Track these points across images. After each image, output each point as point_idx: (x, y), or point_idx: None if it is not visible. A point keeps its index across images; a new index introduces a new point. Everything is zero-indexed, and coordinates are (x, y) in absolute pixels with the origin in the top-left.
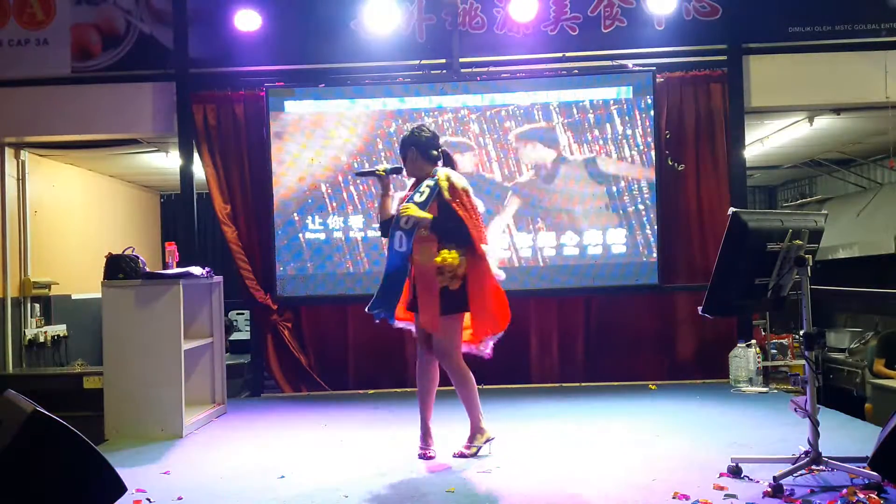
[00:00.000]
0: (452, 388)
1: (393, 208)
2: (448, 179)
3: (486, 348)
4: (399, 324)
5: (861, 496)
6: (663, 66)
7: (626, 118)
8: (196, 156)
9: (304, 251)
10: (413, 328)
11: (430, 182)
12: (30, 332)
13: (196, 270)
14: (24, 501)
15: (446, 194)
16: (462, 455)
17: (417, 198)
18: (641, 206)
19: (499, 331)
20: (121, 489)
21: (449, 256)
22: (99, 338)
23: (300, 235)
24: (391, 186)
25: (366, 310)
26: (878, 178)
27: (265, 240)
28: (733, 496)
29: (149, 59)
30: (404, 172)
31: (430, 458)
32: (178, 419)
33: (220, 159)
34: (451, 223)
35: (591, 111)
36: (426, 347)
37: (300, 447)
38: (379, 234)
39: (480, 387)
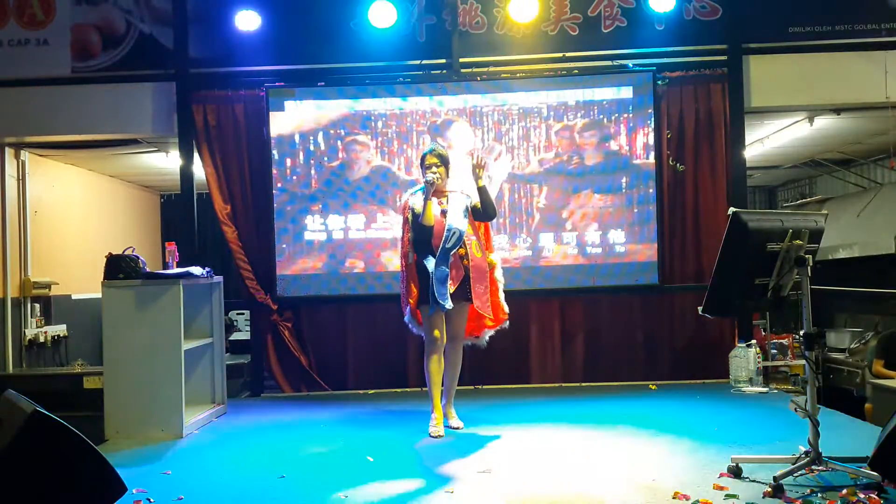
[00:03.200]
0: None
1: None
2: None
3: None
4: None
5: (861, 496)
6: (663, 66)
7: (626, 118)
8: (196, 156)
9: (304, 251)
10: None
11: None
12: (30, 333)
13: (196, 270)
14: (24, 501)
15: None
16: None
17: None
18: (641, 206)
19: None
20: (121, 489)
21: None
22: (99, 338)
23: (300, 235)
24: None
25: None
26: (878, 178)
27: (265, 240)
28: (733, 496)
29: (149, 59)
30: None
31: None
32: (178, 419)
33: (220, 159)
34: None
35: (590, 111)
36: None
37: (300, 447)
38: (379, 233)
39: (481, 387)
